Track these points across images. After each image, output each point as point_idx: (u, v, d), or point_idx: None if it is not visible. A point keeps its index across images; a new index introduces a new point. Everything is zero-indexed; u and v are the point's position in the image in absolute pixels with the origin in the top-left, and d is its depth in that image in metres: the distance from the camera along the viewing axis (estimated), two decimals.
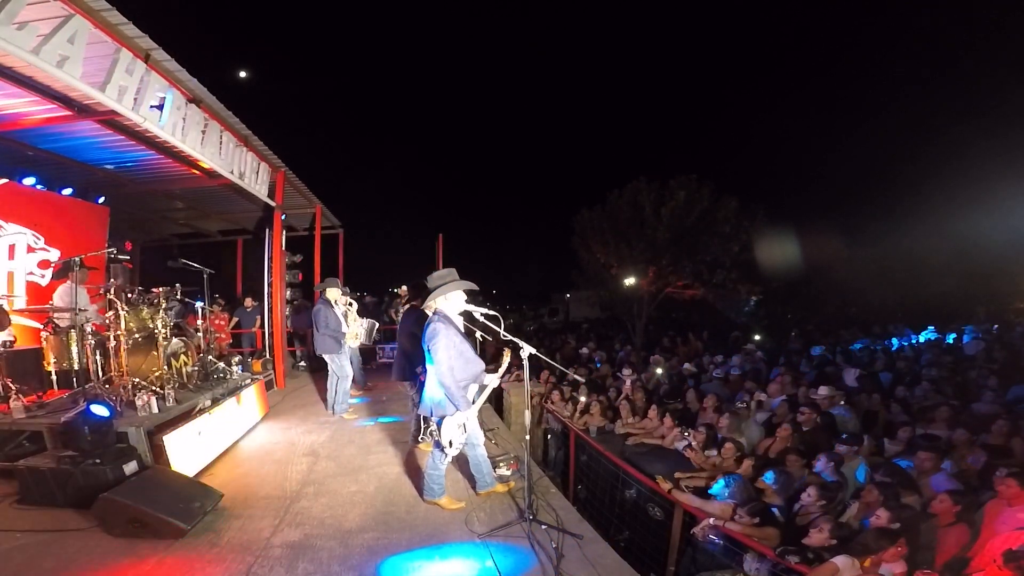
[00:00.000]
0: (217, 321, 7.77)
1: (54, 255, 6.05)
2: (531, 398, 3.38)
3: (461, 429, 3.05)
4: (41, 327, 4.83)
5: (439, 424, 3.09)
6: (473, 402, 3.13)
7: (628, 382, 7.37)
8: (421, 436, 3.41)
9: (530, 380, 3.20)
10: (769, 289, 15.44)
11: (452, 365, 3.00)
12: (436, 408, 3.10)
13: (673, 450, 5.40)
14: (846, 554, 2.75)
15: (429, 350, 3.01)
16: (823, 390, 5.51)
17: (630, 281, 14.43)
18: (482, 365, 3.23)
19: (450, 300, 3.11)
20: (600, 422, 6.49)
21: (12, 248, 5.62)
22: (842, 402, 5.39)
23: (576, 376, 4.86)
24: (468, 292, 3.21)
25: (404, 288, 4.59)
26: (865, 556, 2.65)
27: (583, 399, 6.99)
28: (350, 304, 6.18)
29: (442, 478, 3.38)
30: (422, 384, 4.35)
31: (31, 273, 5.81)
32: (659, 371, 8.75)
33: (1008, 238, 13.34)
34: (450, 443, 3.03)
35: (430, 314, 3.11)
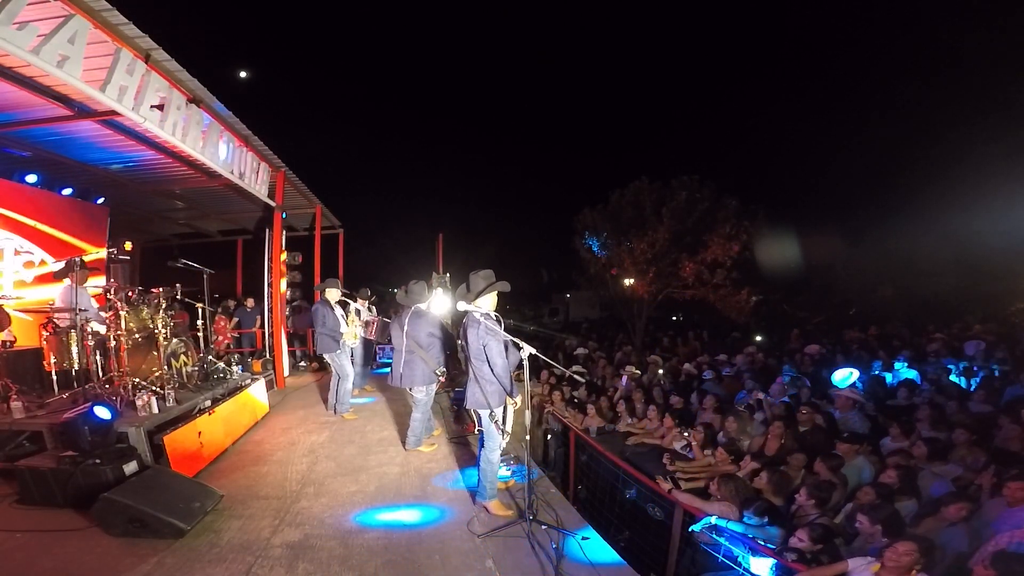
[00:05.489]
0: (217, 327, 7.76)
1: (38, 256, 6.08)
2: (531, 398, 3.38)
3: (512, 412, 3.29)
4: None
5: (492, 415, 3.24)
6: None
7: (625, 379, 7.41)
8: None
9: (530, 380, 3.21)
10: (769, 289, 15.46)
11: (505, 358, 3.19)
12: (493, 399, 3.21)
13: (672, 450, 5.41)
14: (863, 555, 2.75)
15: (484, 348, 3.15)
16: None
17: (630, 281, 14.46)
18: (517, 355, 3.30)
19: (490, 299, 3.30)
20: (600, 422, 6.50)
21: (1, 252, 5.68)
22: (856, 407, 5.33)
23: (576, 376, 4.84)
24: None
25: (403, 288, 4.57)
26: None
27: (582, 398, 7.01)
28: (370, 307, 6.64)
29: (496, 476, 3.44)
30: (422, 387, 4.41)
31: (17, 272, 5.85)
32: (659, 371, 8.75)
33: (1008, 238, 13.33)
34: (507, 428, 3.28)
35: (472, 311, 3.19)
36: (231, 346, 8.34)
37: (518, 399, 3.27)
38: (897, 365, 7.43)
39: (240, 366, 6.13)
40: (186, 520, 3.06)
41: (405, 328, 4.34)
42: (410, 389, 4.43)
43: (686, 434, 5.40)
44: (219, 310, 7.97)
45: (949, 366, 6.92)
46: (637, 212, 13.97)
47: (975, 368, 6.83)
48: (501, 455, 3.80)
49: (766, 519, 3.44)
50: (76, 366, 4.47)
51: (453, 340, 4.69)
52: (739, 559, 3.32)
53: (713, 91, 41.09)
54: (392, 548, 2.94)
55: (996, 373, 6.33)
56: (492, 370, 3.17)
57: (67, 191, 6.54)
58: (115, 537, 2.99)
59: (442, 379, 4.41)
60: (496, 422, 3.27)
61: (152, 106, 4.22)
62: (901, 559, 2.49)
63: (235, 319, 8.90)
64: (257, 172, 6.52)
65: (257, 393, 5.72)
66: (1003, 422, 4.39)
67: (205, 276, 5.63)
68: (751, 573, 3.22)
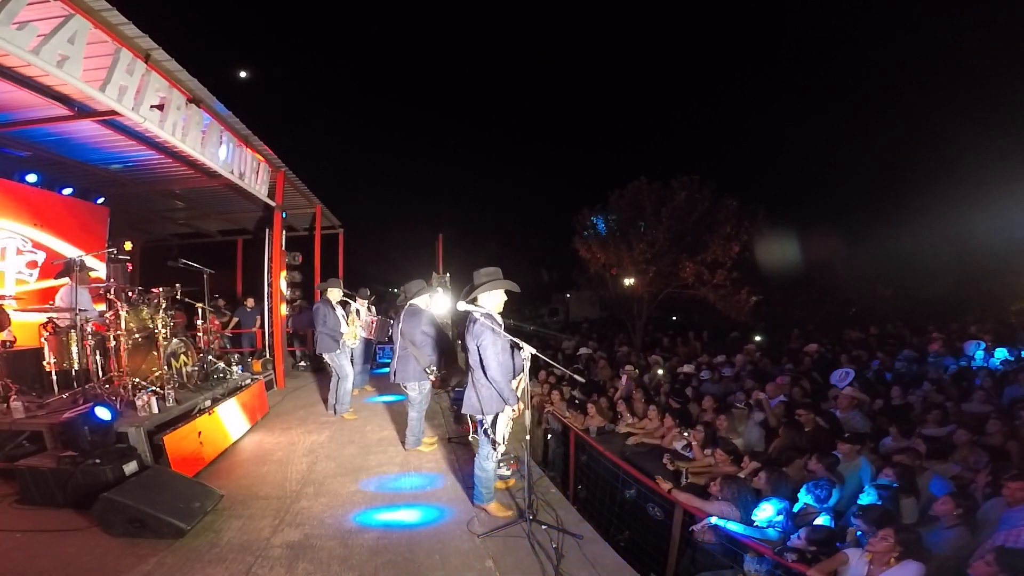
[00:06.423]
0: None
1: (40, 256, 6.07)
2: (531, 398, 3.36)
3: (509, 421, 3.12)
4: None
5: (483, 422, 3.14)
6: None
7: (625, 379, 7.40)
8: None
9: (529, 380, 3.19)
10: (769, 289, 15.47)
11: (501, 361, 2.97)
12: (487, 405, 3.05)
13: (672, 450, 5.41)
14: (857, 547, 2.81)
15: (479, 348, 2.97)
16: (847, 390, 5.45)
17: (630, 281, 14.48)
18: (519, 359, 3.12)
19: (492, 298, 3.11)
20: (600, 422, 6.50)
21: (3, 251, 5.67)
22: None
23: (576, 376, 4.83)
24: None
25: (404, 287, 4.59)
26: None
27: (580, 397, 7.00)
28: (370, 307, 6.73)
29: (492, 482, 3.34)
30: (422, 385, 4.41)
31: (19, 272, 5.84)
32: (660, 372, 8.75)
33: (1008, 238, 13.33)
34: (503, 437, 3.12)
35: (472, 311, 3.01)
36: (226, 346, 8.31)
37: (518, 407, 3.10)
38: (897, 364, 7.45)
39: (240, 366, 6.13)
40: (186, 520, 3.06)
41: (400, 325, 4.36)
42: (404, 387, 4.42)
43: (686, 434, 5.40)
44: (210, 310, 7.95)
45: (951, 366, 6.93)
46: (636, 212, 13.98)
47: (974, 368, 6.84)
48: (502, 455, 3.79)
49: (787, 505, 3.46)
50: (76, 366, 4.47)
51: (448, 340, 4.68)
52: (739, 559, 3.33)
53: (713, 91, 41.06)
54: (392, 548, 2.94)
55: (997, 375, 6.33)
56: (486, 373, 2.97)
57: (67, 191, 6.54)
58: (115, 537, 2.99)
59: (433, 378, 4.40)
60: (486, 430, 3.13)
61: (152, 106, 4.22)
62: (880, 544, 2.66)
63: (235, 319, 8.90)
64: (257, 172, 6.52)
65: (256, 393, 5.72)
66: (995, 422, 4.40)
67: (205, 276, 5.63)
68: (751, 573, 3.23)
